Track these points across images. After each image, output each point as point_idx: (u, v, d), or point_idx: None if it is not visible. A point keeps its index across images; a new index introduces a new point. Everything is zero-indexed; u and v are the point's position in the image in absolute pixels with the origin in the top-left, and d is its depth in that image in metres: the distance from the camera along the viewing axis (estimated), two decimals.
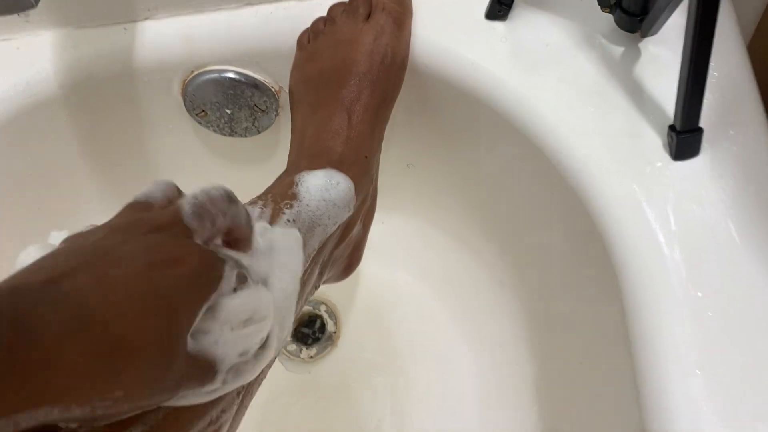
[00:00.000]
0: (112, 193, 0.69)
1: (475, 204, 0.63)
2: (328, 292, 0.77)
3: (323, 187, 0.41)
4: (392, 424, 0.68)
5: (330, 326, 0.76)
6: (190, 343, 0.25)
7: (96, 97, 0.58)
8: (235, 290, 0.27)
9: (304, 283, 0.38)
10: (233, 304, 0.26)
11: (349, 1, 0.49)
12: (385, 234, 0.74)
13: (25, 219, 0.64)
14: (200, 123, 0.61)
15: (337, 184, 0.41)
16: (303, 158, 0.44)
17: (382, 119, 0.47)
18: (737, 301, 0.38)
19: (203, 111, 0.59)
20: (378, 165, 0.48)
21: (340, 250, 0.45)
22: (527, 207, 0.55)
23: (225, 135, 0.62)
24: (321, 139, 0.44)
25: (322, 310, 0.76)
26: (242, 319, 0.27)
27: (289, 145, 0.50)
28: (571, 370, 0.58)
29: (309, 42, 0.49)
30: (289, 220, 0.38)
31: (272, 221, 0.38)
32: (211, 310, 0.25)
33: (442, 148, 0.60)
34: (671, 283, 0.39)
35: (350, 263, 0.50)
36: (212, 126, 0.61)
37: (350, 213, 0.43)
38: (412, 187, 0.68)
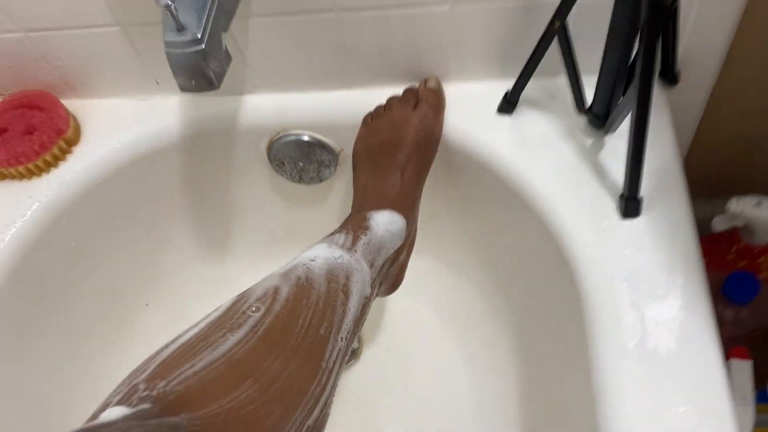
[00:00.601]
0: (195, 225, 0.87)
1: (482, 250, 0.82)
2: None
3: (387, 222, 0.59)
4: (404, 427, 0.84)
5: (354, 344, 0.93)
6: None
7: (203, 148, 0.77)
8: None
9: (372, 289, 0.55)
10: None
11: (402, 94, 0.69)
12: (407, 271, 0.92)
13: (131, 237, 0.83)
14: (277, 172, 0.80)
15: (396, 221, 0.59)
16: (368, 203, 0.62)
17: (423, 178, 0.66)
18: (660, 311, 0.55)
19: (282, 163, 0.78)
20: (418, 210, 0.66)
21: (392, 269, 0.62)
22: (521, 252, 0.73)
23: (294, 182, 0.81)
24: (382, 190, 0.62)
25: None
26: None
27: (337, 193, 0.69)
28: (547, 380, 0.75)
29: (372, 120, 0.69)
30: (365, 243, 0.56)
31: (353, 244, 0.55)
32: None
33: (458, 205, 0.79)
34: (619, 301, 0.56)
35: (396, 281, 0.67)
36: (286, 175, 0.80)
37: (402, 242, 0.60)
38: (432, 235, 0.86)
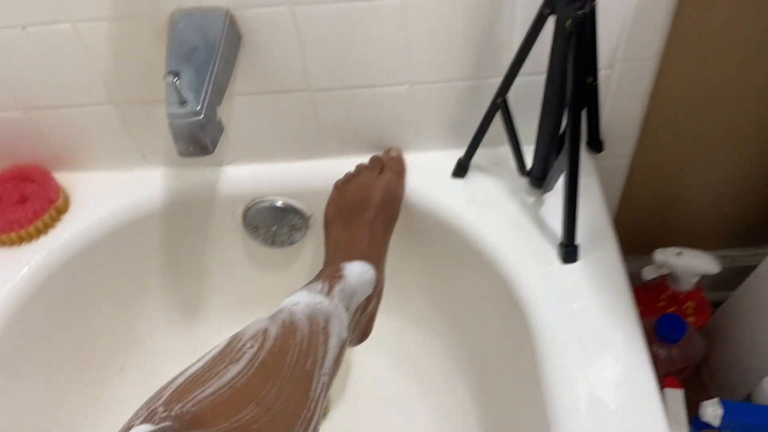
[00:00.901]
0: (170, 290, 0.92)
1: (441, 301, 0.89)
2: None
3: (359, 271, 0.66)
4: None
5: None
6: None
7: (182, 216, 0.84)
8: None
9: (348, 332, 0.61)
10: None
11: (368, 162, 0.79)
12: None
13: (109, 301, 0.87)
14: (251, 236, 0.87)
15: (367, 270, 0.66)
16: (339, 255, 0.69)
17: (389, 233, 0.74)
18: (600, 344, 0.63)
19: (256, 227, 0.85)
20: (385, 263, 0.74)
21: (363, 318, 0.69)
22: (477, 299, 0.81)
23: (267, 245, 0.88)
24: (352, 243, 0.69)
25: None
26: None
27: (305, 257, 0.77)
28: (505, 420, 0.81)
29: (342, 185, 0.77)
30: (340, 290, 0.62)
31: (329, 291, 0.61)
32: None
33: (418, 261, 0.87)
34: (565, 336, 0.64)
35: (366, 330, 0.73)
36: (260, 239, 0.87)
37: (372, 290, 0.67)
38: (392, 291, 0.93)
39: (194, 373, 0.46)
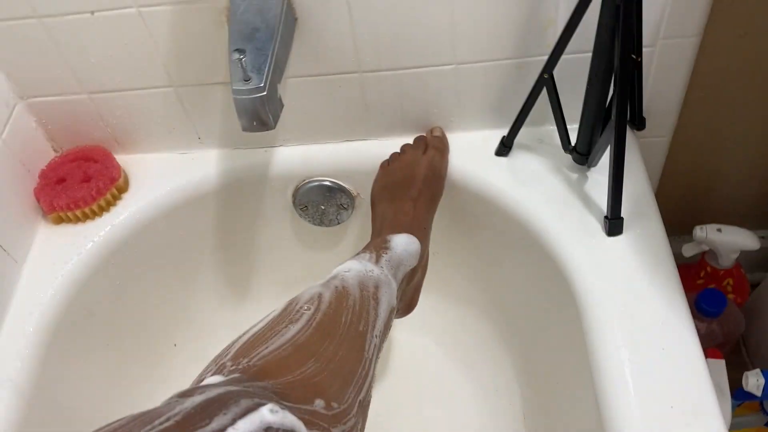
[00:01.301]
0: (221, 269, 0.96)
1: (483, 278, 0.92)
2: None
3: (405, 242, 0.68)
4: None
5: None
6: None
7: (236, 195, 0.87)
8: None
9: (397, 300, 0.63)
10: None
11: (413, 142, 0.81)
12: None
13: (165, 278, 0.91)
14: (300, 216, 0.90)
15: (413, 242, 0.69)
16: (385, 228, 0.72)
17: (433, 209, 0.76)
18: (646, 314, 0.65)
19: (305, 207, 0.88)
20: (429, 238, 0.76)
21: (408, 289, 0.72)
22: (520, 274, 0.84)
23: (315, 225, 0.91)
24: (398, 217, 0.72)
25: None
26: None
27: (351, 236, 0.83)
28: (548, 393, 0.83)
29: (387, 165, 0.80)
30: (387, 260, 0.65)
31: (377, 261, 0.63)
32: None
33: (460, 239, 0.89)
34: (611, 308, 0.66)
35: (412, 302, 0.76)
36: (308, 218, 0.90)
37: (417, 262, 0.70)
38: (436, 270, 0.96)
39: (257, 332, 0.49)
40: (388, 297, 0.59)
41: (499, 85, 0.77)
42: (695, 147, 0.88)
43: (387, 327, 0.59)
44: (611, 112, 0.67)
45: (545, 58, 0.70)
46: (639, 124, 0.79)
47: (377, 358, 0.56)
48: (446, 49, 0.73)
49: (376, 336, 0.55)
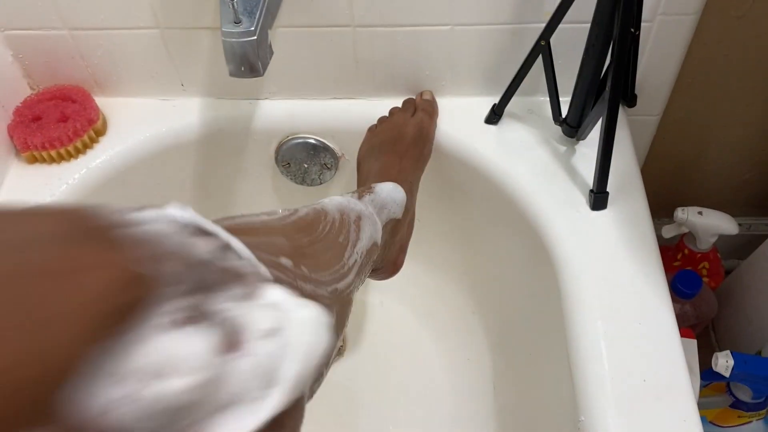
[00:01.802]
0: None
1: (465, 246, 0.91)
2: None
3: (390, 189, 0.65)
4: (385, 416, 0.91)
5: (338, 342, 1.00)
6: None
7: (218, 146, 0.85)
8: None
9: (381, 237, 0.60)
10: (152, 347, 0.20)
11: (402, 104, 0.80)
12: None
13: None
14: (282, 173, 0.88)
15: (398, 191, 0.67)
16: (370, 181, 0.70)
17: (420, 168, 0.75)
18: (625, 289, 0.65)
19: (288, 164, 0.87)
20: (416, 197, 0.75)
21: (394, 246, 0.70)
22: (503, 244, 0.83)
23: (297, 183, 0.89)
24: (383, 169, 0.70)
25: None
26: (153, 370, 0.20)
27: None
28: (520, 365, 0.84)
29: (375, 127, 0.78)
30: (370, 200, 0.60)
31: (360, 198, 0.59)
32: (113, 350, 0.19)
33: (444, 206, 0.89)
34: (591, 282, 0.66)
35: (397, 262, 0.74)
36: (290, 175, 0.88)
37: (401, 215, 0.68)
38: (416, 238, 0.95)
39: (240, 217, 0.43)
40: (371, 230, 0.55)
41: (494, 50, 0.76)
42: (683, 130, 0.88)
43: (369, 258, 0.54)
44: (605, 85, 0.66)
45: (542, 25, 0.68)
46: (630, 100, 0.78)
47: (359, 278, 0.50)
48: (443, 9, 0.72)
49: (357, 253, 0.50)
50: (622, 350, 0.61)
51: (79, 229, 0.21)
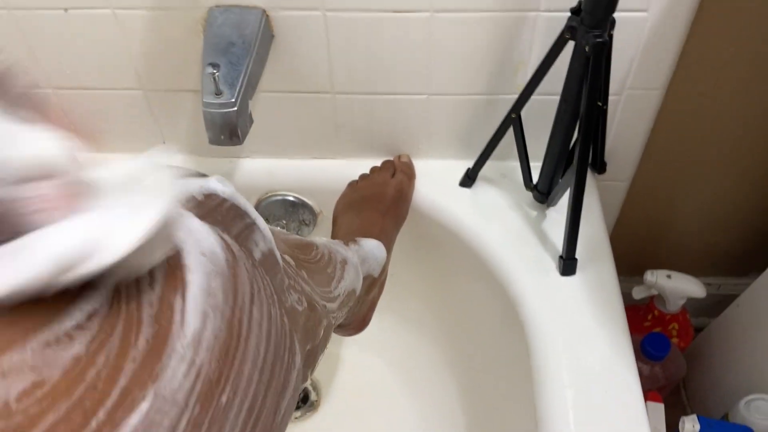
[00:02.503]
0: None
1: (439, 305, 0.93)
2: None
3: (374, 245, 0.66)
4: None
5: (312, 396, 1.00)
6: None
7: None
8: None
9: (361, 286, 0.59)
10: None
11: (381, 164, 0.82)
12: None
13: None
14: None
15: (381, 250, 0.69)
16: (351, 235, 0.71)
17: (396, 230, 0.77)
18: (592, 357, 0.67)
19: (266, 220, 0.88)
20: (390, 259, 0.76)
21: (365, 303, 0.71)
22: (475, 304, 0.85)
23: None
24: (365, 226, 0.72)
25: (308, 384, 1.01)
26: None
27: None
28: (491, 423, 0.84)
29: (356, 183, 0.80)
30: (355, 250, 0.61)
31: (345, 245, 0.59)
32: None
33: (419, 264, 0.90)
34: (558, 346, 0.68)
35: (365, 319, 0.76)
36: None
37: (378, 273, 0.69)
38: (393, 292, 0.96)
39: None
40: (353, 276, 0.56)
41: (469, 118, 0.79)
42: (652, 194, 0.90)
43: (347, 302, 0.54)
44: (574, 155, 0.69)
45: (514, 96, 0.71)
46: (600, 167, 0.81)
47: (341, 316, 0.51)
48: (420, 80, 0.74)
49: (341, 289, 0.51)
50: (590, 419, 0.62)
51: None
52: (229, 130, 0.62)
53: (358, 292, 0.58)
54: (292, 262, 0.39)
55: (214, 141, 0.63)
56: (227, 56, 0.64)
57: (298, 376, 0.34)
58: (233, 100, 0.61)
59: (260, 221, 0.34)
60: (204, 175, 0.34)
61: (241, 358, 0.27)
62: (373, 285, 0.69)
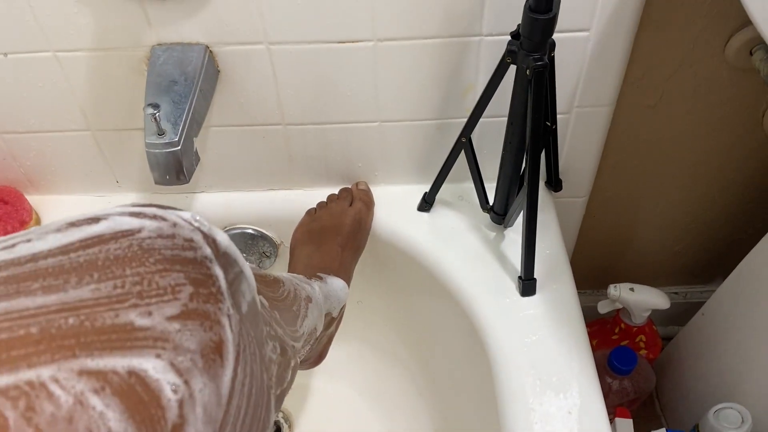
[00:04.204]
0: None
1: (405, 331, 0.92)
2: (286, 401, 1.00)
3: (340, 286, 0.66)
4: None
5: (285, 429, 0.99)
6: None
7: None
8: None
9: (310, 335, 0.59)
10: None
11: (339, 193, 0.82)
12: (334, 357, 1.01)
13: None
14: None
15: (345, 291, 0.68)
16: (312, 269, 0.70)
17: (355, 261, 0.76)
18: (555, 377, 0.66)
19: None
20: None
21: (323, 338, 0.71)
22: (439, 329, 0.84)
23: None
24: (326, 260, 0.71)
25: (279, 416, 0.99)
26: None
27: None
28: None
29: (314, 212, 0.80)
30: (319, 286, 0.60)
31: (310, 279, 0.59)
32: None
33: (383, 290, 0.90)
34: (521, 365, 0.67)
35: (323, 353, 0.74)
36: None
37: (337, 312, 0.69)
38: (360, 319, 0.96)
39: None
40: (316, 315, 0.55)
41: (422, 142, 0.79)
42: (611, 208, 0.91)
43: (308, 340, 0.53)
44: (525, 176, 0.69)
45: (465, 120, 0.71)
46: (556, 185, 0.81)
47: (302, 355, 0.50)
48: (370, 108, 0.74)
49: (305, 327, 0.50)
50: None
51: None
52: (174, 170, 0.61)
53: (319, 330, 0.58)
54: (266, 303, 0.38)
55: (160, 181, 0.62)
56: (170, 95, 0.63)
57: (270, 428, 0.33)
58: (176, 139, 0.60)
59: (247, 269, 0.32)
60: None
61: (222, 422, 0.26)
62: (332, 322, 0.69)
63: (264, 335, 0.34)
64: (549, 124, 0.71)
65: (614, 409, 0.82)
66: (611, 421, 0.72)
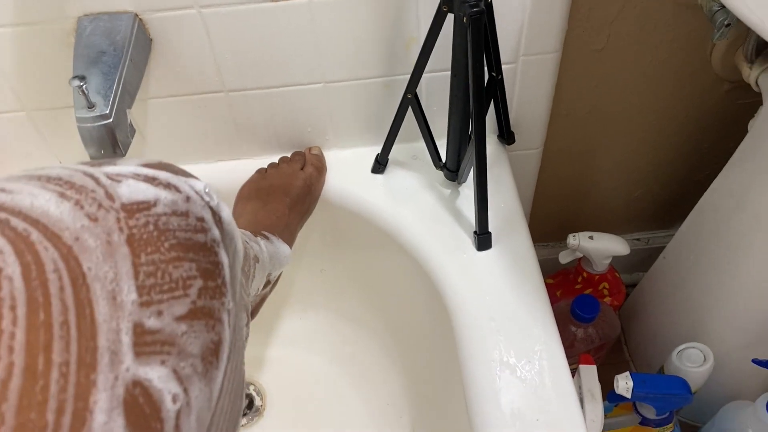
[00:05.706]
0: None
1: (369, 294, 0.91)
2: (256, 374, 1.00)
3: (285, 253, 0.63)
4: None
5: (257, 401, 0.98)
6: None
7: None
8: None
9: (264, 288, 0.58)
10: None
11: (291, 156, 0.80)
12: (302, 327, 1.00)
13: None
14: None
15: (289, 258, 0.66)
16: (258, 226, 0.68)
17: (302, 222, 0.74)
18: (515, 329, 0.66)
19: None
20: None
21: (256, 300, 0.68)
22: (401, 289, 0.84)
23: None
24: (272, 221, 0.69)
25: (251, 389, 0.99)
26: None
27: None
28: (433, 409, 0.84)
29: (264, 170, 0.78)
30: (265, 244, 0.58)
31: (256, 236, 0.57)
32: None
33: (344, 256, 0.89)
34: (481, 318, 0.67)
35: (254, 312, 0.70)
36: None
37: (278, 273, 0.66)
38: (324, 288, 0.95)
39: None
40: (260, 276, 0.54)
41: (370, 102, 0.77)
42: (567, 158, 0.90)
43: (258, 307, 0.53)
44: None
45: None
46: (508, 138, 0.80)
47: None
48: (313, 69, 0.72)
49: (253, 288, 0.49)
50: (516, 391, 0.61)
51: None
52: (110, 143, 0.59)
53: (259, 290, 0.57)
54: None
55: (95, 156, 0.60)
56: (98, 66, 0.61)
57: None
58: (107, 111, 0.58)
59: (239, 243, 0.30)
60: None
61: (209, 424, 0.25)
62: (268, 284, 0.67)
63: (244, 321, 0.33)
64: (495, 74, 0.69)
65: (580, 356, 0.83)
66: (575, 368, 0.73)
